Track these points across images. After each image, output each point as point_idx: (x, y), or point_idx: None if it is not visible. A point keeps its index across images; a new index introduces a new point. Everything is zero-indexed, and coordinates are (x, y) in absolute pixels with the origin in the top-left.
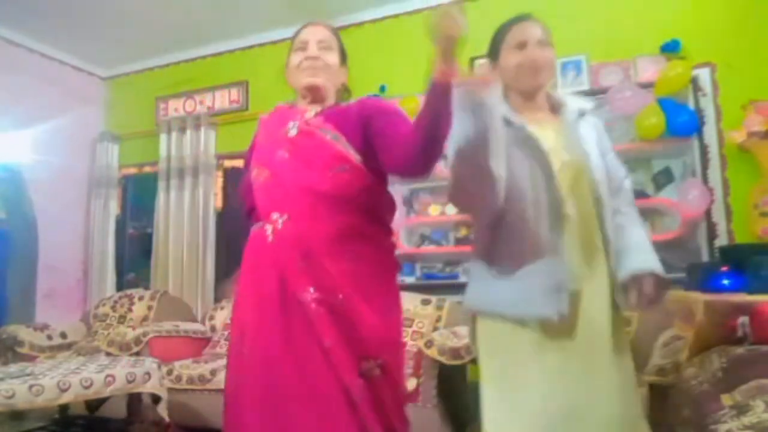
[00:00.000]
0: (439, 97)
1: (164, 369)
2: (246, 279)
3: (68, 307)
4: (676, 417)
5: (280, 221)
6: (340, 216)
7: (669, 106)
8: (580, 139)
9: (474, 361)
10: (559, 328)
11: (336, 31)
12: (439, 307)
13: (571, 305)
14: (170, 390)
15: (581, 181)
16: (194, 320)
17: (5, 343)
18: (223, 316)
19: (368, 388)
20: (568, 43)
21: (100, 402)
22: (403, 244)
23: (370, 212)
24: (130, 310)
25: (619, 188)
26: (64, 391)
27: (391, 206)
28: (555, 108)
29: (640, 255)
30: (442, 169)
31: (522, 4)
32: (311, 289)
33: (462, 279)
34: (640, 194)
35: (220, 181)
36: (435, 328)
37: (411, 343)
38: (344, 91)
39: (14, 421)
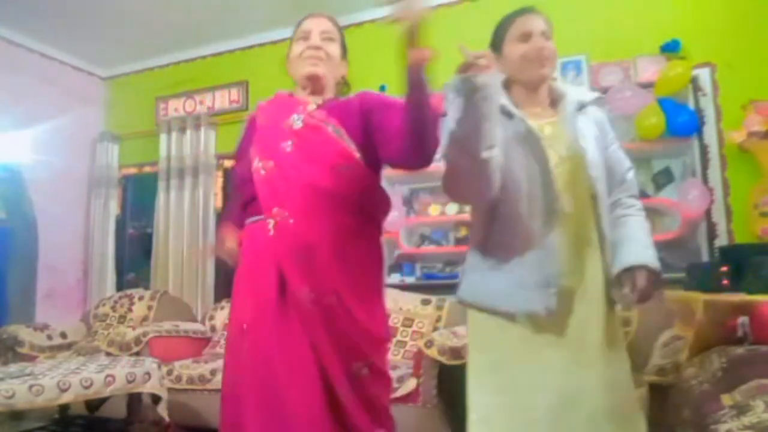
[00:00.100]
0: (415, 84)
1: (164, 369)
2: (245, 273)
3: (68, 307)
4: (676, 417)
5: (282, 216)
6: (340, 215)
7: (669, 106)
8: (578, 134)
9: None
10: (550, 324)
11: (338, 24)
12: (439, 307)
13: (563, 301)
14: (170, 390)
15: (578, 176)
16: (194, 320)
17: (5, 343)
18: (223, 316)
19: (357, 387)
20: (568, 43)
21: (100, 402)
22: (403, 244)
23: (366, 212)
24: (130, 310)
25: (621, 181)
26: (64, 391)
27: (385, 205)
28: (555, 101)
29: (635, 248)
30: (441, 167)
31: (521, 4)
32: (308, 289)
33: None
34: (640, 194)
35: (220, 181)
36: (435, 328)
37: (411, 343)
38: (344, 84)
39: (14, 421)
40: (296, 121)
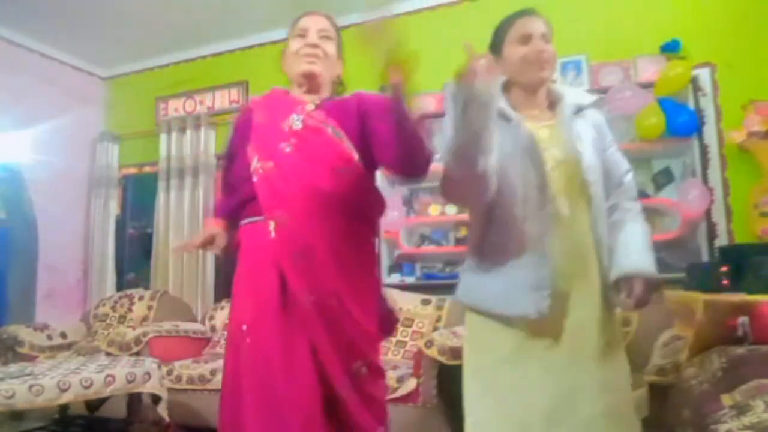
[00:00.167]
0: (395, 100)
1: (164, 369)
2: (246, 274)
3: (68, 307)
4: (676, 417)
5: (283, 218)
6: (339, 217)
7: (669, 106)
8: (576, 136)
9: None
10: (545, 327)
11: (335, 23)
12: (439, 307)
13: (557, 304)
14: (170, 390)
15: (574, 179)
16: (194, 320)
17: (5, 343)
18: (223, 316)
19: (357, 386)
20: (568, 43)
21: (100, 402)
22: (403, 244)
23: (363, 215)
24: (130, 310)
25: (619, 184)
26: (64, 391)
27: (380, 207)
28: (554, 104)
29: (632, 254)
30: (441, 167)
31: (522, 4)
32: (309, 291)
33: None
34: (640, 194)
35: (220, 181)
36: (435, 328)
37: (411, 343)
38: (339, 84)
39: (14, 421)
40: (296, 122)
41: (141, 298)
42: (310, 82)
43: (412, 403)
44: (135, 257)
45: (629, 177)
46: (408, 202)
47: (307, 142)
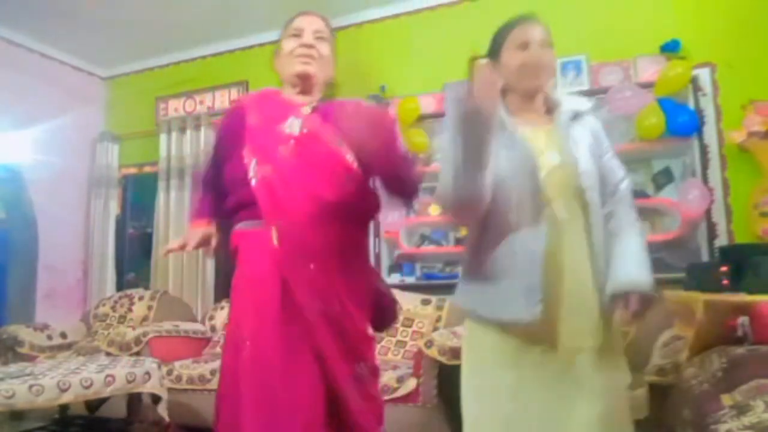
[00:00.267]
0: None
1: (164, 369)
2: (247, 281)
3: (68, 307)
4: (676, 417)
5: (286, 226)
6: (340, 224)
7: (669, 106)
8: (572, 142)
9: None
10: (539, 333)
11: (330, 24)
12: (439, 307)
13: (551, 310)
14: (170, 390)
15: (570, 185)
16: (194, 320)
17: (5, 343)
18: (223, 316)
19: (360, 388)
20: (568, 43)
21: (100, 402)
22: (403, 244)
23: (362, 218)
24: (130, 310)
25: (614, 191)
26: (64, 391)
27: (378, 208)
28: (551, 110)
29: (629, 268)
30: (440, 167)
31: (522, 4)
32: (315, 299)
33: None
34: (640, 194)
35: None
36: (435, 328)
37: (411, 343)
38: (330, 86)
39: (14, 421)
40: (294, 127)
41: (141, 298)
42: (305, 83)
43: (412, 403)
44: (135, 257)
45: (625, 184)
46: None
47: (307, 148)
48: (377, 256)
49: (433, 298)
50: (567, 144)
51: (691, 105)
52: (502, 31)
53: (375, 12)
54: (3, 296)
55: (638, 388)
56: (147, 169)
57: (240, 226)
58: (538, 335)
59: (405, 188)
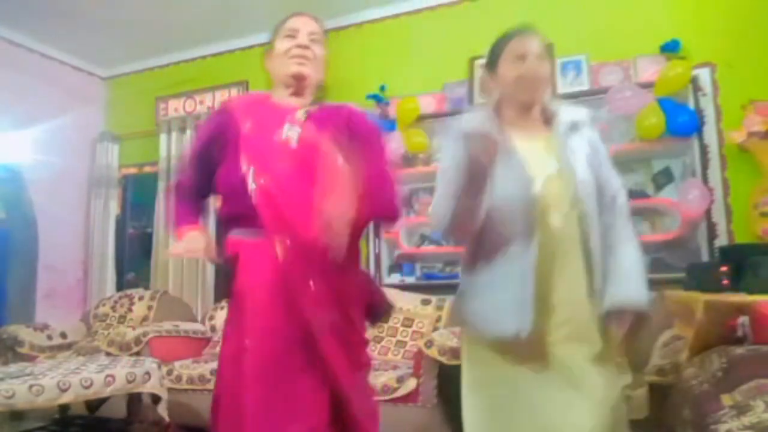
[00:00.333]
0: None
1: (164, 369)
2: (249, 289)
3: (68, 307)
4: (676, 417)
5: (290, 239)
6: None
7: (669, 106)
8: (569, 152)
9: None
10: (533, 344)
11: (323, 26)
12: (439, 307)
13: (545, 322)
14: (170, 390)
15: (567, 195)
16: (194, 320)
17: (5, 343)
18: (223, 315)
19: (362, 391)
20: (568, 43)
21: (100, 402)
22: (403, 244)
23: (359, 228)
24: (130, 310)
25: (611, 203)
26: (64, 391)
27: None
28: (549, 120)
29: (624, 285)
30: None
31: (522, 4)
32: (322, 311)
33: None
34: (640, 194)
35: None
36: (435, 328)
37: (411, 343)
38: (321, 88)
39: (14, 421)
40: (291, 135)
41: (141, 298)
42: (299, 84)
43: (412, 403)
44: (135, 257)
45: (622, 196)
46: (408, 202)
47: (306, 159)
48: (377, 256)
49: (433, 298)
50: (564, 153)
51: (691, 105)
52: (499, 43)
53: (375, 12)
54: (3, 296)
55: (638, 388)
56: (147, 169)
57: (237, 234)
58: (531, 346)
59: (389, 212)
